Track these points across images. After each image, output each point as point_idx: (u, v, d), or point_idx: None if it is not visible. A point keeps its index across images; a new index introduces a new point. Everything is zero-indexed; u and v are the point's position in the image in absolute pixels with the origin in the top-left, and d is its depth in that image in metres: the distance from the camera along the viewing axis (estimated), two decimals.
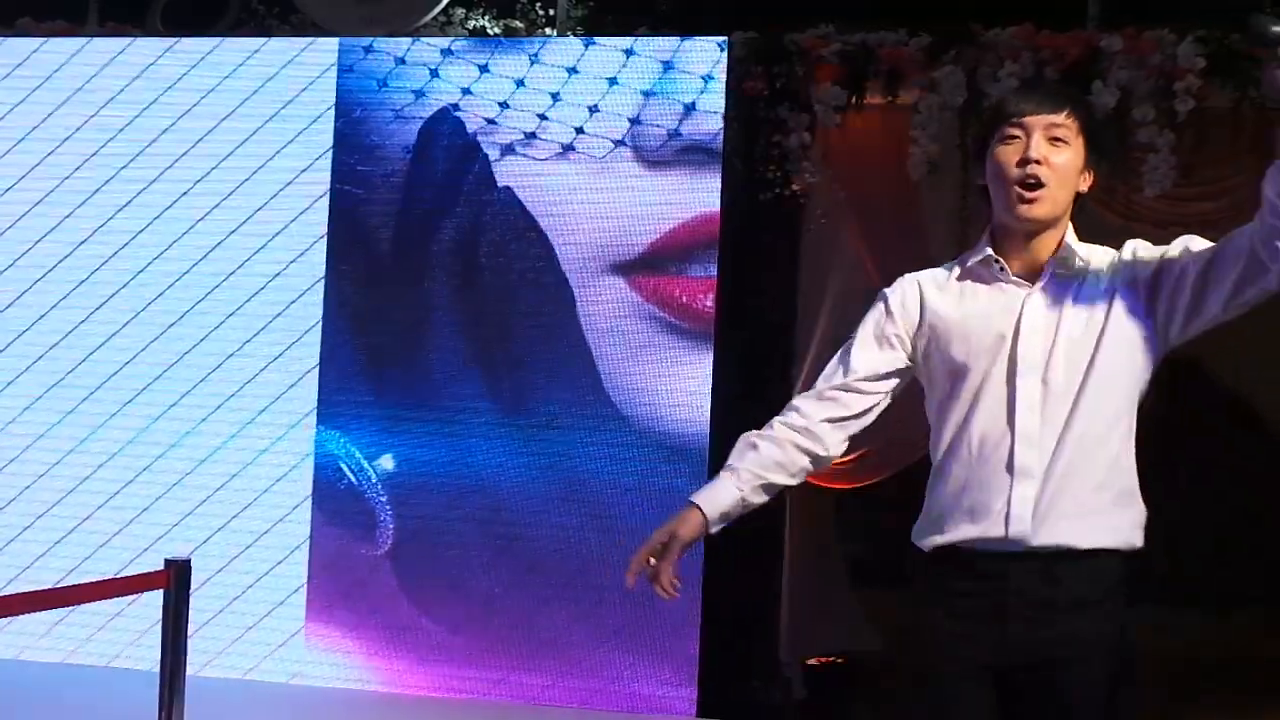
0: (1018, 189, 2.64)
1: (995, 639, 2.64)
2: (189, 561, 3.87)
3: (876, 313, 2.85)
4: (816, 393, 2.83)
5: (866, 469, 5.75)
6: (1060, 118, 2.68)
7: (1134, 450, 2.71)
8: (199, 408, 5.44)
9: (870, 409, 2.82)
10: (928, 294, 2.79)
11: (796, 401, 2.84)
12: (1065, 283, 2.69)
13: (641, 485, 5.09)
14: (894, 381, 2.82)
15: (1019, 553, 2.64)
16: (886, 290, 2.85)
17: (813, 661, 5.89)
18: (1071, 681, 2.63)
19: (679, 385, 5.08)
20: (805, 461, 2.80)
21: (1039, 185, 2.64)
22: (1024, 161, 2.64)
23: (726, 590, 5.11)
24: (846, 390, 2.82)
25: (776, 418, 2.81)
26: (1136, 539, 2.68)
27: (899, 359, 2.81)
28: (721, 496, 2.77)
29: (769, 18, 5.38)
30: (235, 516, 5.38)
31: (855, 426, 2.82)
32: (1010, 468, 2.65)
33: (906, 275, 2.85)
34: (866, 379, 2.81)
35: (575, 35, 5.57)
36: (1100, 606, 2.65)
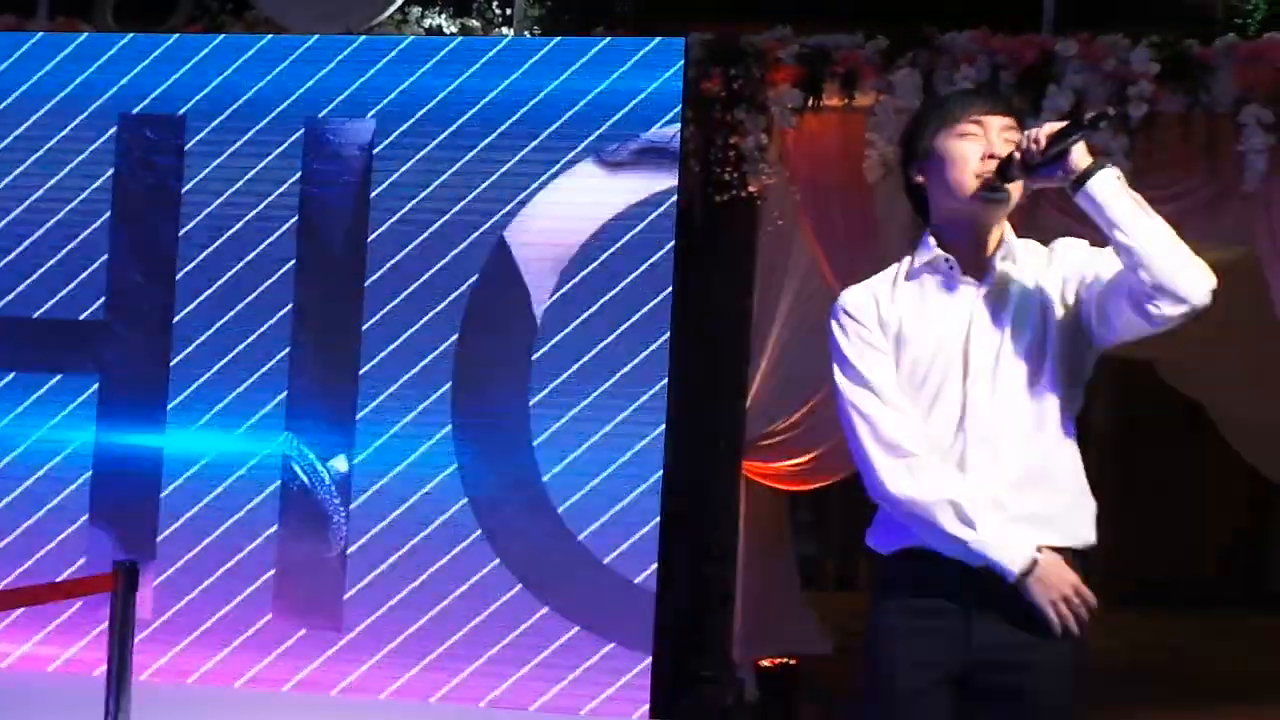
0: (981, 179, 2.64)
1: (961, 639, 2.64)
2: (135, 564, 3.83)
3: (848, 331, 2.79)
4: (890, 441, 2.68)
5: (819, 471, 5.77)
6: (1010, 121, 2.70)
7: (1078, 451, 2.72)
8: None
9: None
10: (881, 301, 2.77)
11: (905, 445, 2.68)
12: (1008, 281, 2.69)
13: (600, 487, 5.07)
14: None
15: (972, 553, 2.64)
16: (839, 305, 2.79)
17: (766, 663, 5.90)
18: (1035, 682, 2.63)
19: (635, 386, 5.06)
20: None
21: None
22: (990, 156, 2.65)
23: (680, 592, 5.11)
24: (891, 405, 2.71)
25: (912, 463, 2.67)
26: (1091, 536, 2.70)
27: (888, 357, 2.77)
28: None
29: (726, 19, 5.39)
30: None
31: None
32: (963, 469, 2.66)
33: (851, 289, 2.81)
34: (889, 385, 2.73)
35: (532, 34, 5.55)
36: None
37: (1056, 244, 2.75)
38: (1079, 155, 2.59)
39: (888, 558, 2.74)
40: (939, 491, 2.61)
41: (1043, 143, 2.57)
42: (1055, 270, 2.69)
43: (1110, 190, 2.56)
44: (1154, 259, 2.53)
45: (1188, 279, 2.53)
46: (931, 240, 2.74)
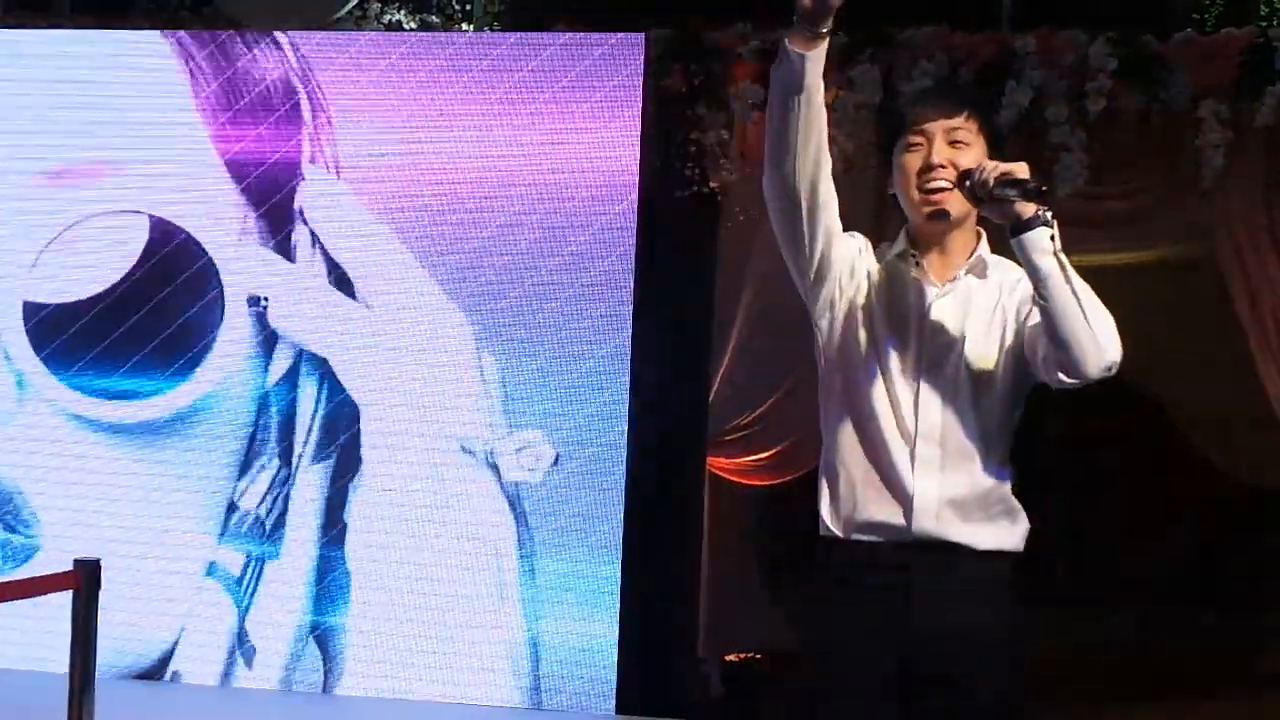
0: (920, 194, 2.69)
1: (899, 627, 2.67)
2: (98, 562, 3.79)
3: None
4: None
5: (784, 465, 5.79)
6: (960, 120, 2.73)
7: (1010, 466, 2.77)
8: None
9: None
10: (866, 260, 2.82)
11: None
12: (970, 292, 2.73)
13: (564, 482, 5.07)
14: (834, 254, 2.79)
15: (919, 543, 2.68)
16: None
17: (731, 658, 5.91)
18: (970, 677, 2.67)
19: (595, 382, 5.05)
20: None
21: (941, 190, 2.68)
22: (926, 169, 2.68)
23: (644, 586, 5.11)
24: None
25: None
26: (1020, 546, 2.76)
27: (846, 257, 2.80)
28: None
29: (686, 15, 5.39)
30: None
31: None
32: (911, 463, 2.68)
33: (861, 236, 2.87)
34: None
35: (492, 30, 5.54)
36: (995, 597, 2.70)
37: (1019, 271, 2.78)
38: (1021, 204, 2.61)
39: (830, 544, 2.77)
40: None
41: (989, 184, 2.61)
42: (1018, 294, 2.73)
43: (1039, 249, 2.59)
44: (1061, 327, 2.59)
45: (1085, 354, 2.59)
46: (903, 237, 2.79)
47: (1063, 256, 2.59)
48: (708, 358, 5.43)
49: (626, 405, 5.03)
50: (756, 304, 5.49)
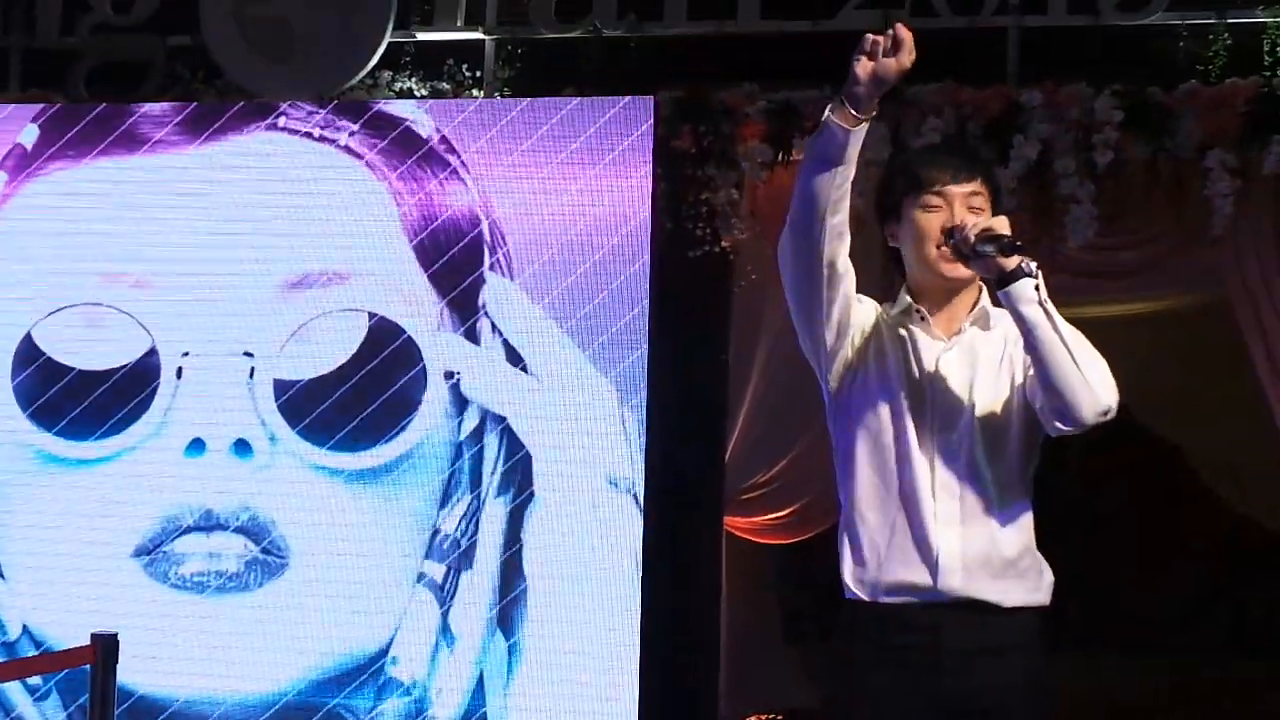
0: (944, 255, 2.71)
1: (929, 689, 2.66)
2: (115, 636, 3.80)
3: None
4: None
5: (802, 523, 5.77)
6: (976, 185, 2.76)
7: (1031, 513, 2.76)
8: None
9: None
10: (874, 321, 2.84)
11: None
12: (975, 344, 2.74)
13: (579, 542, 5.07)
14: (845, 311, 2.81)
15: (947, 603, 2.67)
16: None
17: (752, 718, 5.88)
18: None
19: (610, 442, 5.07)
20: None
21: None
22: (951, 229, 2.70)
23: (665, 645, 5.09)
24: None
25: None
26: (1048, 598, 2.75)
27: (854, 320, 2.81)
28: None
29: (694, 77, 5.43)
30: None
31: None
32: (933, 521, 2.68)
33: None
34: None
35: (502, 96, 5.59)
36: (1025, 651, 2.70)
37: None
38: (1002, 258, 2.64)
39: (855, 604, 2.76)
40: None
41: (971, 240, 2.64)
42: (1023, 343, 2.74)
43: (1024, 300, 2.62)
44: (1052, 375, 2.62)
45: (1079, 401, 2.62)
46: (903, 294, 2.80)
47: (1049, 305, 2.61)
48: (723, 417, 5.44)
49: (642, 465, 5.04)
50: (771, 362, 5.49)
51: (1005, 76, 5.25)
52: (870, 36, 2.59)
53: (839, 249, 2.72)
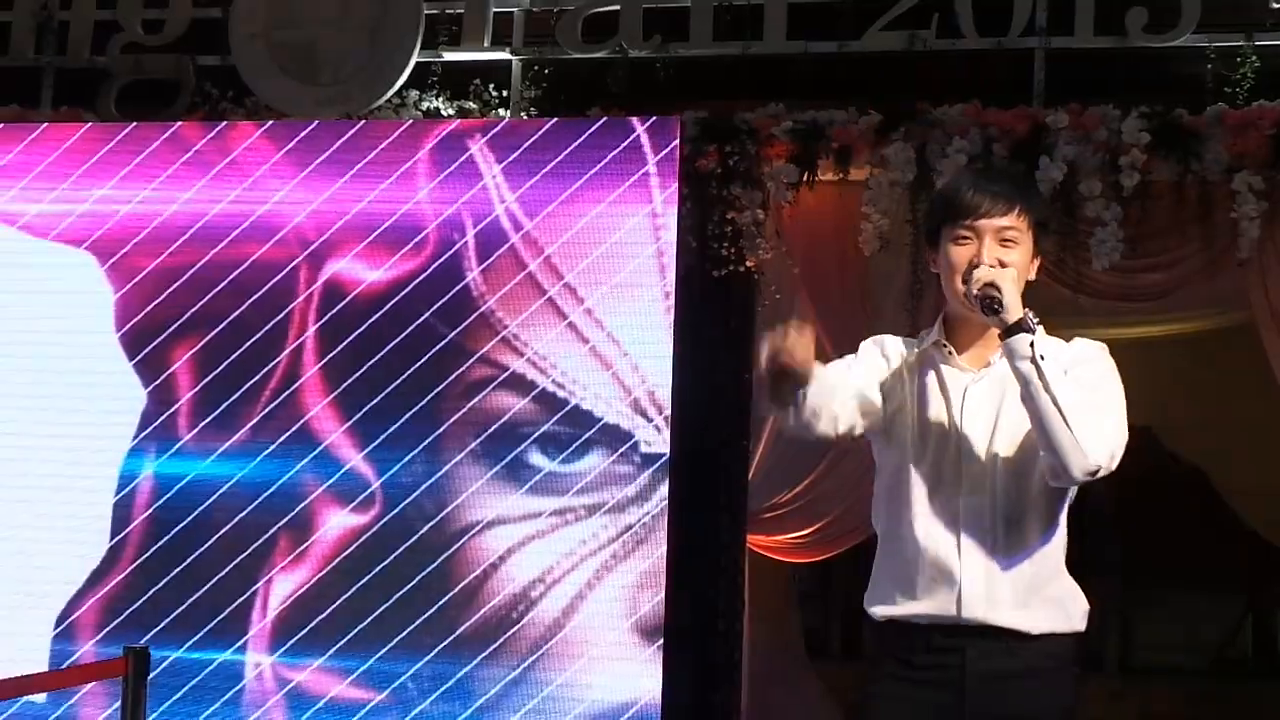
0: (965, 288, 2.71)
1: (954, 712, 2.66)
2: (147, 650, 3.83)
3: (866, 353, 2.87)
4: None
5: (825, 542, 5.76)
6: (1011, 219, 2.74)
7: (1064, 539, 2.75)
8: None
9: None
10: (895, 357, 2.84)
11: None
12: (1005, 374, 2.74)
13: (603, 563, 5.07)
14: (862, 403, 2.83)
15: (972, 630, 2.67)
16: (870, 340, 2.89)
17: None
18: None
19: (634, 461, 5.07)
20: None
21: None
22: (973, 268, 2.70)
23: (687, 662, 5.09)
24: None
25: None
26: (1082, 625, 2.74)
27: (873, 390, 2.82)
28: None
29: (719, 98, 5.45)
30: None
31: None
32: (958, 551, 2.68)
33: (883, 336, 2.89)
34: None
35: (529, 116, 5.62)
36: (1056, 675, 2.68)
37: (1061, 349, 2.78)
38: (1008, 309, 2.65)
39: (881, 624, 2.76)
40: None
41: (974, 291, 2.64)
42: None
43: (1017, 355, 2.64)
44: (1042, 431, 2.63)
45: (1067, 459, 2.63)
46: (939, 324, 2.81)
47: (1041, 364, 2.61)
48: (747, 437, 5.44)
49: (666, 483, 5.05)
50: None
51: (1031, 98, 5.25)
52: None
53: (822, 405, 2.73)
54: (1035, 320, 2.65)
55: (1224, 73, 5.18)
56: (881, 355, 2.86)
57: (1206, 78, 5.19)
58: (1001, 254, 2.71)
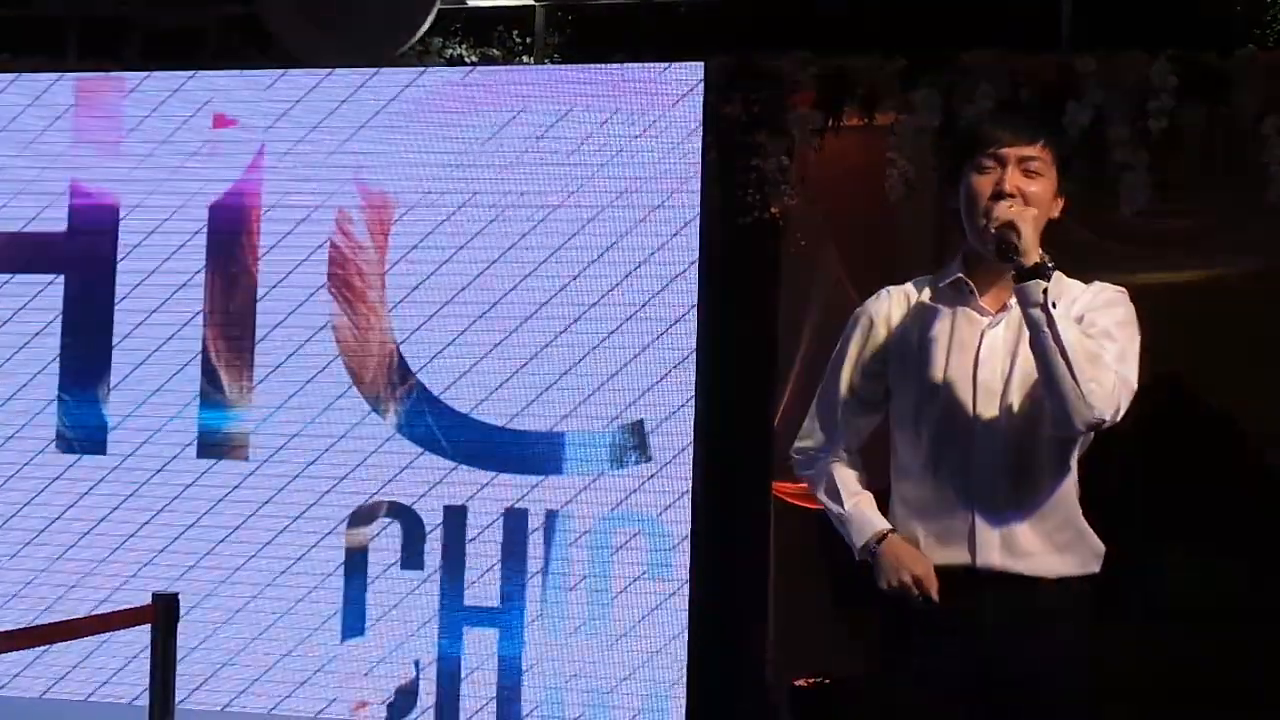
0: (985, 222, 2.66)
1: (974, 655, 2.67)
2: (176, 596, 3.85)
3: (857, 336, 2.88)
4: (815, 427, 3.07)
5: None
6: (1035, 149, 2.70)
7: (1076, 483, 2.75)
8: None
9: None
10: (897, 313, 2.82)
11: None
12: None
13: (626, 512, 5.10)
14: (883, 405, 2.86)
15: (988, 576, 2.67)
16: (860, 310, 2.89)
17: (800, 682, 5.89)
18: (1052, 694, 2.66)
19: (660, 411, 5.09)
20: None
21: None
22: (998, 195, 2.66)
23: (714, 609, 5.12)
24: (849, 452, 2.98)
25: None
26: (1097, 567, 2.74)
27: (879, 384, 2.84)
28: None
29: (745, 43, 5.42)
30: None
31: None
32: (972, 496, 2.68)
33: (882, 290, 2.88)
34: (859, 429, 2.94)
35: (553, 62, 5.59)
36: (1073, 620, 2.69)
37: (1081, 291, 2.76)
38: (1025, 252, 2.61)
39: None
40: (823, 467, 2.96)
41: (992, 229, 2.60)
42: (1072, 316, 2.70)
43: (1028, 301, 2.60)
44: (1046, 379, 2.61)
45: (1070, 409, 2.60)
46: (958, 262, 2.78)
47: (1052, 311, 2.57)
48: (771, 383, 5.44)
49: (691, 432, 5.06)
50: (819, 328, 5.49)
51: (1059, 42, 5.20)
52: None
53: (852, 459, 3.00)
54: (1051, 265, 2.60)
55: (1254, 14, 5.12)
56: (871, 325, 2.85)
57: (1236, 20, 5.14)
58: (1024, 183, 2.67)
